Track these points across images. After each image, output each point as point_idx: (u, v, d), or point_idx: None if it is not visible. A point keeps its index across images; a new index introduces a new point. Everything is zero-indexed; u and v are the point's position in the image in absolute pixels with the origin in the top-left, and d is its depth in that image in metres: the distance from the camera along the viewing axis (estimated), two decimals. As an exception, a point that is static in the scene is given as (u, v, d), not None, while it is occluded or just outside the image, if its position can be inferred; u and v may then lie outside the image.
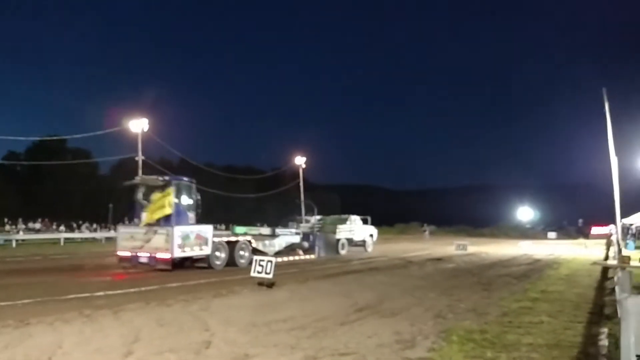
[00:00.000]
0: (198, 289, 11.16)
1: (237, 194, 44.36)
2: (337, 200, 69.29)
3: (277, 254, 19.50)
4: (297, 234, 22.56)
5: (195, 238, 15.40)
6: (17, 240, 30.52)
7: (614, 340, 5.98)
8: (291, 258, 19.92)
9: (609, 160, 24.11)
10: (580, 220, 57.72)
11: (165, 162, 39.82)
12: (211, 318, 7.85)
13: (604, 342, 6.41)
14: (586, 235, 47.05)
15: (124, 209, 41.72)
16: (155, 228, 15.08)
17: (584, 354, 5.94)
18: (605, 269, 15.81)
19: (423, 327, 7.36)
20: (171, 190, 15.39)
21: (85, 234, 38.13)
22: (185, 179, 16.59)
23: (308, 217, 33.15)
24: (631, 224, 32.81)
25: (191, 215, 16.20)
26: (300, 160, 43.48)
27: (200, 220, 16.48)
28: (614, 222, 27.14)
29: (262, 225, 25.58)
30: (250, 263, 12.99)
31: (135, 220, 16.62)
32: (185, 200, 16.10)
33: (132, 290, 11.20)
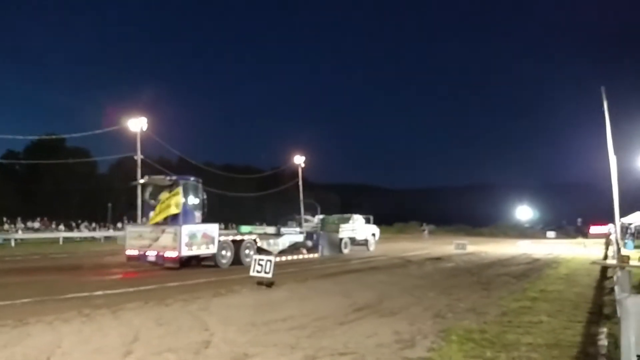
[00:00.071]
0: (197, 289, 11.15)
1: (236, 193, 44.34)
2: (337, 200, 69.47)
3: (281, 252, 19.85)
4: (300, 233, 22.76)
5: (202, 237, 15.64)
6: (16, 240, 30.51)
7: (614, 340, 5.98)
8: (295, 257, 20.06)
9: (608, 159, 24.15)
10: (579, 220, 57.80)
11: (164, 161, 39.73)
12: (210, 317, 7.84)
13: (603, 341, 6.41)
14: (585, 234, 47.09)
15: (123, 208, 41.82)
16: (163, 227, 15.38)
17: (584, 354, 5.94)
18: (605, 269, 15.84)
19: (422, 326, 7.35)
20: (179, 189, 15.69)
21: (84, 233, 38.08)
22: (192, 178, 16.90)
23: (307, 217, 33.26)
24: (630, 224, 32.84)
25: (198, 214, 16.53)
26: (299, 160, 43.51)
27: (203, 219, 16.69)
28: (613, 221, 27.19)
29: (261, 224, 25.63)
30: None
31: (143, 219, 16.81)
32: (192, 199, 16.39)
33: (131, 289, 11.20)
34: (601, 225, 43.29)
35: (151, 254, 15.27)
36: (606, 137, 23.95)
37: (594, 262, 18.46)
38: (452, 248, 26.88)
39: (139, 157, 29.16)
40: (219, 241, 16.27)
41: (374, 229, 28.41)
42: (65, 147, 51.54)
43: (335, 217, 27.70)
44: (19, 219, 37.76)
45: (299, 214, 36.79)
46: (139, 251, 15.54)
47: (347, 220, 26.33)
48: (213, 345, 6.16)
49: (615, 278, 10.86)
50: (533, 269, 17.39)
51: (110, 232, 37.86)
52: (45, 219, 40.94)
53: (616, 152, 24.03)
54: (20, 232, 33.83)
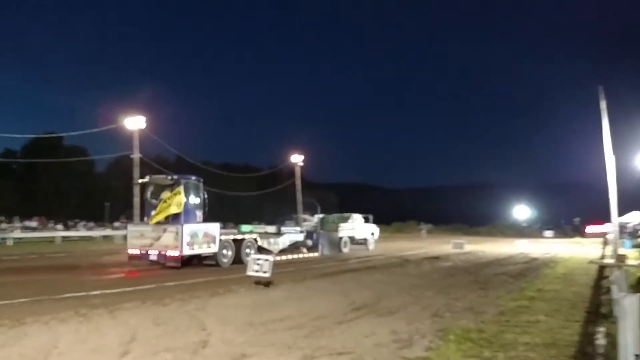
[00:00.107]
0: (195, 288, 11.12)
1: (234, 192, 44.27)
2: (335, 199, 69.37)
3: (282, 251, 19.98)
4: (301, 232, 22.84)
5: (204, 236, 15.72)
6: (13, 239, 30.41)
7: (611, 339, 5.98)
8: (295, 256, 20.11)
9: (606, 159, 24.16)
10: (577, 219, 57.95)
11: (161, 159, 39.62)
12: (208, 317, 7.82)
13: (601, 341, 6.41)
14: (582, 234, 47.21)
15: (120, 207, 41.72)
16: (164, 226, 15.44)
17: (581, 353, 5.95)
18: (602, 268, 15.85)
19: (420, 326, 7.35)
20: (180, 189, 15.73)
21: (82, 232, 37.97)
22: (193, 177, 16.97)
23: (305, 216, 33.23)
24: (627, 223, 32.94)
25: (199, 213, 16.62)
26: (297, 159, 43.46)
27: (204, 218, 16.76)
28: (609, 221, 27.21)
29: (259, 223, 25.64)
30: None
31: (145, 218, 16.85)
32: (194, 199, 16.48)
33: (128, 289, 11.17)
34: (598, 224, 43.40)
35: (153, 253, 15.35)
36: (604, 137, 23.94)
37: (591, 262, 18.49)
38: (450, 247, 26.86)
39: (136, 155, 29.07)
40: (220, 240, 16.35)
41: (374, 228, 28.54)
42: (63, 146, 51.38)
43: (334, 216, 27.81)
44: (16, 217, 37.64)
45: (297, 213, 36.78)
46: (140, 250, 15.61)
47: (346, 220, 26.45)
48: (210, 345, 6.14)
49: (612, 277, 10.87)
50: (530, 268, 17.42)
51: (108, 232, 37.76)
52: (43, 218, 40.82)
53: (614, 151, 24.04)
54: (17, 231, 33.70)
